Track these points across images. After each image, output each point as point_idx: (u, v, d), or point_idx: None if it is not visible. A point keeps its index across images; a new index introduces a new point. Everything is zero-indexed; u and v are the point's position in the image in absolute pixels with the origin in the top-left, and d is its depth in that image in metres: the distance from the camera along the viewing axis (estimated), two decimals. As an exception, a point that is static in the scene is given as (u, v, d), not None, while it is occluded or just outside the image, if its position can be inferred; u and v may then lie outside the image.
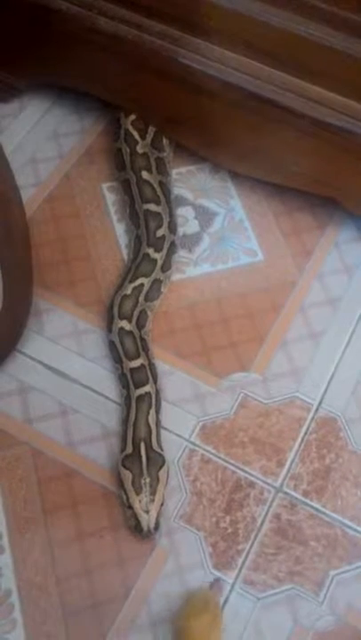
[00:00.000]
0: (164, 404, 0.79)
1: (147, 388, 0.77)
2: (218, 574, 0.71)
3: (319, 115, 0.76)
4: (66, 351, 0.83)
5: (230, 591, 0.71)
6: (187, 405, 0.80)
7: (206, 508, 0.75)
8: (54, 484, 0.75)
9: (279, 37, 0.72)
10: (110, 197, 0.94)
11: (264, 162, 0.86)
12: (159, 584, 0.71)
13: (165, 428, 0.78)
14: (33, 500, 0.74)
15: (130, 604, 0.69)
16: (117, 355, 0.79)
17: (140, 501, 0.70)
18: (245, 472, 0.77)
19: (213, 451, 0.78)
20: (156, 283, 0.84)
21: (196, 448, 0.78)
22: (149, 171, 0.88)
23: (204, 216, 0.93)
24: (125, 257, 0.89)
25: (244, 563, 0.72)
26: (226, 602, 0.70)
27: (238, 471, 0.77)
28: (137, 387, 0.77)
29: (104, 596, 0.70)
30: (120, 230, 0.91)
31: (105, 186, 0.95)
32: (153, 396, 0.77)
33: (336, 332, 0.86)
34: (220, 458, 0.77)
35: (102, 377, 0.81)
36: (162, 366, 0.82)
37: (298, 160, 0.83)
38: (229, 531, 0.74)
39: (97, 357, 0.82)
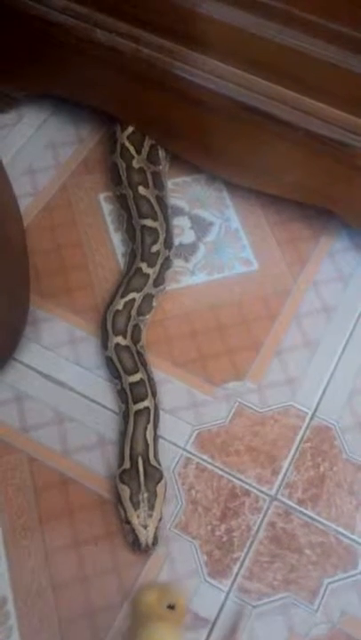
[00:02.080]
0: (160, 412, 0.79)
1: (145, 403, 0.77)
2: (213, 582, 0.72)
3: (313, 127, 0.77)
4: (62, 359, 0.83)
5: (225, 599, 0.71)
6: (182, 413, 0.81)
7: (202, 516, 0.75)
8: (50, 491, 0.75)
9: (274, 51, 0.73)
10: (107, 207, 0.95)
11: (259, 173, 0.87)
12: (154, 592, 0.71)
13: (161, 437, 0.78)
14: (29, 507, 0.74)
15: (125, 612, 0.70)
16: (116, 370, 0.79)
17: (138, 517, 0.70)
18: (241, 480, 0.77)
19: (209, 459, 0.78)
20: (148, 297, 0.84)
21: (192, 456, 0.78)
22: (146, 186, 0.88)
23: (200, 226, 0.94)
24: (122, 266, 0.90)
25: (239, 571, 0.73)
26: (221, 610, 0.71)
27: (234, 479, 0.77)
28: (136, 401, 0.77)
29: (100, 603, 0.70)
30: (116, 239, 0.92)
31: (101, 195, 0.95)
32: (151, 411, 0.77)
33: (331, 340, 0.86)
34: (215, 466, 0.78)
35: (98, 385, 0.82)
36: (158, 374, 0.82)
37: (292, 171, 0.84)
38: (225, 539, 0.74)
39: (93, 366, 0.83)
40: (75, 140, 1.00)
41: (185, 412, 0.81)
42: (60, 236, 0.92)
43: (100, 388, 0.81)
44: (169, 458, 0.77)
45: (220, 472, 0.78)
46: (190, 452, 0.78)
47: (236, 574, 0.72)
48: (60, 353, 0.83)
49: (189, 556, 0.73)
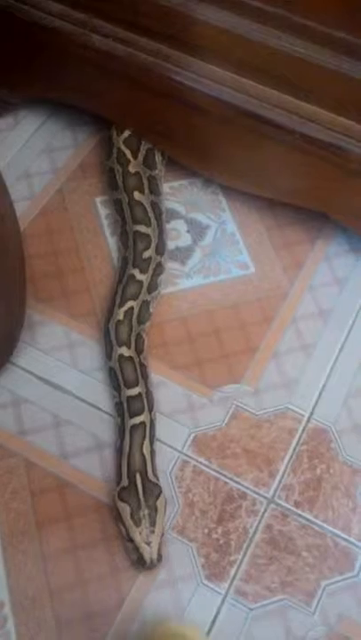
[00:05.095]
0: (157, 415, 0.79)
1: (141, 418, 0.76)
2: (210, 585, 0.72)
3: (308, 130, 0.77)
4: (59, 363, 0.83)
5: (222, 602, 0.71)
6: (179, 417, 0.81)
7: (198, 519, 0.75)
8: (47, 495, 0.75)
9: (269, 55, 0.73)
10: (103, 211, 0.95)
11: (255, 176, 0.87)
12: (152, 595, 0.71)
13: (158, 440, 0.78)
14: (26, 512, 0.74)
15: (123, 616, 0.70)
16: (117, 382, 0.79)
17: (140, 534, 0.69)
18: (237, 483, 0.77)
19: (206, 462, 0.78)
20: (145, 304, 0.83)
21: (189, 459, 0.78)
22: (141, 191, 0.88)
23: (196, 229, 0.94)
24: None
25: (236, 574, 0.73)
26: (218, 613, 0.71)
27: (230, 482, 0.77)
28: (132, 416, 0.76)
29: (97, 607, 0.70)
30: (113, 243, 0.92)
31: (98, 200, 0.96)
32: (147, 426, 0.76)
33: (327, 343, 0.87)
34: (212, 469, 0.78)
35: (95, 388, 0.82)
36: (154, 378, 0.82)
37: (288, 175, 0.84)
38: (221, 542, 0.74)
39: (90, 369, 0.83)
40: (71, 144, 1.01)
41: (182, 415, 0.81)
42: (56, 240, 0.92)
43: (97, 391, 0.82)
44: (166, 461, 0.78)
45: (217, 475, 0.78)
46: (187, 455, 0.79)
47: (233, 577, 0.72)
48: (57, 356, 0.84)
49: (186, 559, 0.73)
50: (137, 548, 0.69)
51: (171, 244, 0.92)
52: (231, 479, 0.77)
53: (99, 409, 0.81)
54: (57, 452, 0.78)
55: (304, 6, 0.70)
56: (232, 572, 0.73)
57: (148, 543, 0.69)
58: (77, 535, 0.73)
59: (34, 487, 0.75)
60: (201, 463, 0.78)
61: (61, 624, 0.69)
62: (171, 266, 0.91)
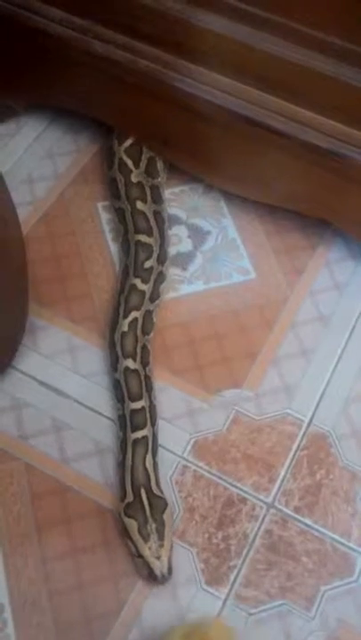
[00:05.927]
0: (158, 420, 0.80)
1: (144, 432, 0.76)
2: (210, 590, 0.72)
3: (308, 137, 0.77)
4: (60, 368, 0.84)
5: (222, 607, 0.71)
6: (179, 421, 0.81)
7: (199, 524, 0.75)
8: (48, 499, 0.75)
9: (269, 62, 0.74)
10: (105, 216, 0.95)
11: (255, 182, 0.87)
12: (151, 600, 0.71)
13: (159, 445, 0.78)
14: (26, 515, 0.74)
15: (122, 620, 0.70)
16: (121, 394, 0.78)
17: (149, 549, 0.69)
18: (237, 488, 0.77)
19: (206, 467, 0.78)
20: (148, 314, 0.83)
21: (189, 464, 0.79)
22: (144, 200, 0.88)
23: (197, 235, 0.95)
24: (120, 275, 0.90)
25: (235, 579, 0.73)
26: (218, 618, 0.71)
27: (230, 487, 0.77)
28: (134, 430, 0.76)
29: (97, 611, 0.70)
30: (114, 248, 0.93)
31: (100, 205, 0.96)
32: (150, 440, 0.76)
33: (327, 348, 0.87)
34: (212, 474, 0.78)
35: (96, 393, 0.82)
36: (155, 383, 0.82)
37: (288, 181, 0.84)
38: (221, 547, 0.74)
39: (91, 374, 0.83)
40: (73, 149, 1.01)
41: (182, 420, 0.81)
42: (58, 245, 0.93)
43: (98, 396, 0.82)
44: (166, 466, 0.78)
45: (217, 480, 0.78)
46: (187, 460, 0.79)
47: (233, 582, 0.73)
48: (59, 361, 0.84)
49: (186, 564, 0.73)
50: (147, 564, 0.69)
51: (172, 250, 0.92)
52: (231, 484, 0.78)
53: (100, 414, 0.81)
54: (58, 456, 0.78)
55: (303, 13, 0.70)
56: (232, 576, 0.73)
57: (158, 557, 0.69)
58: (77, 539, 0.74)
59: (34, 491, 0.76)
60: (201, 468, 0.78)
61: (61, 627, 0.69)
62: (172, 271, 0.91)
